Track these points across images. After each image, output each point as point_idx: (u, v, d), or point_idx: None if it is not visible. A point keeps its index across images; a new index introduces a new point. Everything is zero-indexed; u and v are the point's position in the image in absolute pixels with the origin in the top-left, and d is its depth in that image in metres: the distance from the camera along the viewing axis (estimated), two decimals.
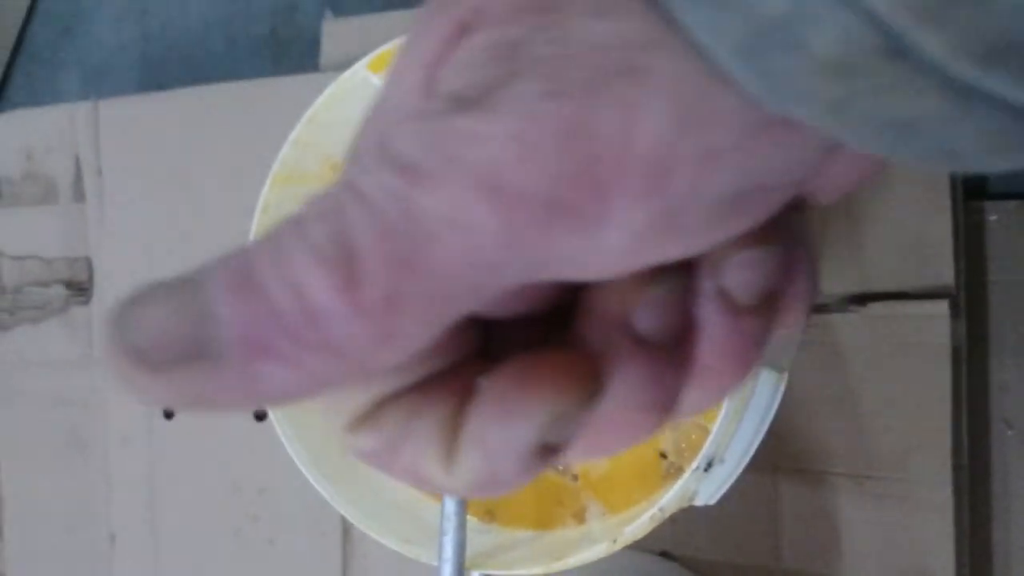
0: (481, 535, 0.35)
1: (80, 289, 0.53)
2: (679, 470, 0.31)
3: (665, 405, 0.13)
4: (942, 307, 0.37)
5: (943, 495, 0.37)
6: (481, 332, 0.14)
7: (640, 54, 0.10)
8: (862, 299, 0.39)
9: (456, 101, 0.11)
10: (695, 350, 0.13)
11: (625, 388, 0.13)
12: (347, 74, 0.34)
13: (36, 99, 0.61)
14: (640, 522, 0.29)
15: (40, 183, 0.55)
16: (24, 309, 0.55)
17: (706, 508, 0.31)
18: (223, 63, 0.55)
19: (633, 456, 0.34)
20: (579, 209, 0.11)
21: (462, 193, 0.11)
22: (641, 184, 0.11)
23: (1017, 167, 0.10)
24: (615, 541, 0.30)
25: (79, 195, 0.54)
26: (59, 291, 0.54)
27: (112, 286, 0.53)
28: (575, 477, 0.35)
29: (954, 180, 0.38)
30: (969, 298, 0.39)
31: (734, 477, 0.30)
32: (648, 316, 0.13)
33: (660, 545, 0.41)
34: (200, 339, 0.11)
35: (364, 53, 0.35)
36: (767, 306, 0.13)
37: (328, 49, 0.48)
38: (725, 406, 0.28)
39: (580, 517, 0.35)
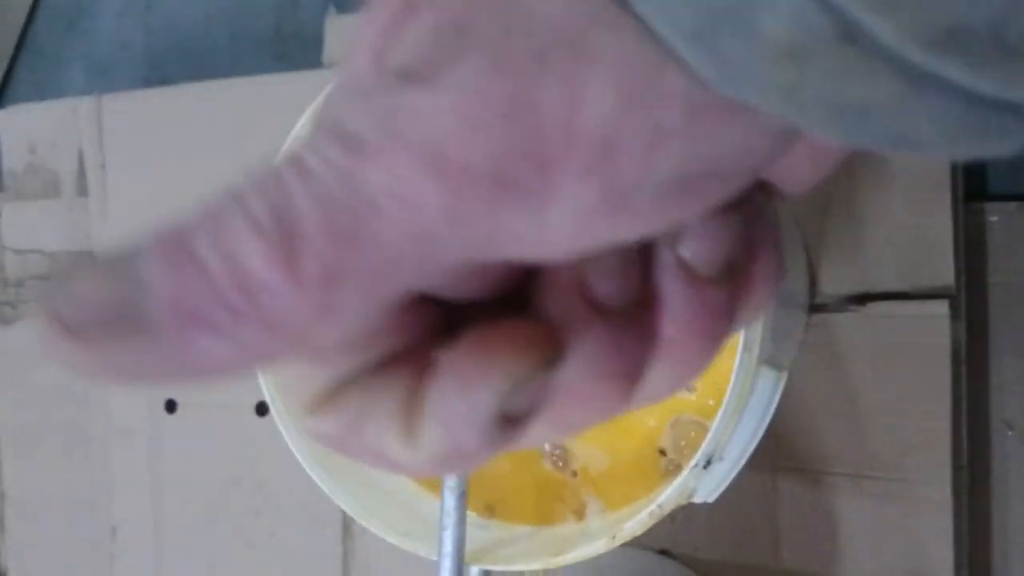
0: (481, 530, 0.35)
1: None
2: (678, 467, 0.31)
3: (627, 375, 0.13)
4: (942, 307, 0.37)
5: (942, 495, 0.37)
6: (442, 313, 0.13)
7: (588, 32, 0.10)
8: (862, 299, 0.39)
9: (403, 76, 0.11)
10: (657, 321, 0.13)
11: (585, 356, 0.12)
12: None
13: (40, 94, 0.61)
14: (639, 519, 0.30)
15: (43, 177, 0.55)
16: (27, 303, 0.55)
17: (705, 506, 0.32)
18: (226, 59, 0.56)
19: (633, 453, 0.34)
20: (523, 186, 0.11)
21: (406, 167, 0.11)
22: (586, 162, 0.11)
23: (973, 155, 0.10)
24: (614, 537, 0.30)
25: (82, 189, 0.54)
26: None
27: None
28: (575, 474, 0.35)
29: (955, 181, 0.38)
30: (969, 299, 0.39)
31: (733, 475, 0.30)
32: (605, 283, 0.13)
33: (659, 543, 0.41)
34: (129, 309, 0.11)
35: None
36: (729, 279, 0.13)
37: (331, 45, 0.48)
38: (724, 404, 0.28)
39: (580, 513, 0.35)
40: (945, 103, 0.09)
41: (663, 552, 0.41)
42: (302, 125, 0.35)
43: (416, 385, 0.12)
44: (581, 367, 0.12)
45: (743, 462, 0.30)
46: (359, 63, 0.12)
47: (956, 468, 0.37)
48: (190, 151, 0.49)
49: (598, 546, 0.30)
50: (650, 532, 0.31)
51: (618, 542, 0.30)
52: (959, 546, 0.37)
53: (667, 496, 0.29)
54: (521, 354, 0.12)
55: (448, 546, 0.30)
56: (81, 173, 0.54)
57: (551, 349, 0.12)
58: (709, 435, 0.28)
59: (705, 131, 0.11)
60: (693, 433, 0.33)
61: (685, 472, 0.29)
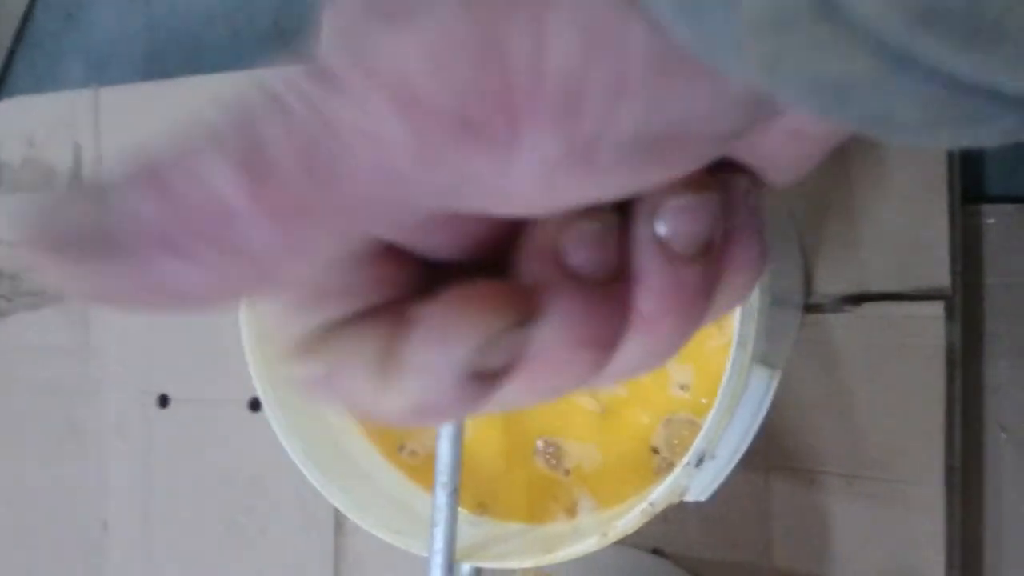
0: (472, 527, 0.35)
1: None
2: (671, 466, 0.31)
3: (600, 344, 0.13)
4: (937, 309, 0.37)
5: (935, 496, 0.37)
6: (425, 272, 0.14)
7: None
8: (857, 299, 0.39)
9: (377, 15, 0.11)
10: (632, 295, 0.13)
11: (558, 320, 0.13)
12: None
13: (39, 87, 0.61)
14: (631, 517, 0.30)
15: (40, 170, 0.55)
16: (22, 295, 0.55)
17: (698, 505, 0.32)
18: (225, 53, 0.55)
19: (625, 451, 0.34)
20: (489, 129, 0.11)
21: (374, 103, 0.11)
22: (550, 109, 0.11)
23: (956, 143, 0.10)
24: (605, 535, 0.30)
25: (78, 182, 0.54)
26: None
27: None
28: (567, 472, 0.35)
29: (952, 182, 0.38)
30: (965, 300, 0.39)
31: (725, 473, 0.30)
32: (580, 251, 0.13)
33: (652, 542, 0.41)
34: (99, 230, 0.11)
35: None
36: (706, 259, 0.13)
37: None
38: (717, 402, 0.28)
39: (571, 511, 0.35)
40: (922, 84, 0.09)
41: (655, 551, 0.41)
42: None
43: (394, 336, 0.13)
44: (555, 331, 0.13)
45: (735, 461, 0.30)
46: (343, 3, 0.12)
47: (949, 469, 0.37)
48: None
49: (589, 544, 0.30)
50: (643, 531, 0.31)
51: (609, 540, 0.30)
52: (951, 547, 0.37)
53: (659, 494, 0.29)
54: (496, 311, 0.12)
55: (439, 543, 0.30)
56: (78, 166, 0.54)
57: (525, 310, 0.13)
58: (701, 433, 0.28)
59: (668, 89, 0.11)
60: (686, 432, 0.33)
61: (677, 470, 0.29)
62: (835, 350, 0.39)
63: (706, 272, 0.13)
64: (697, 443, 0.28)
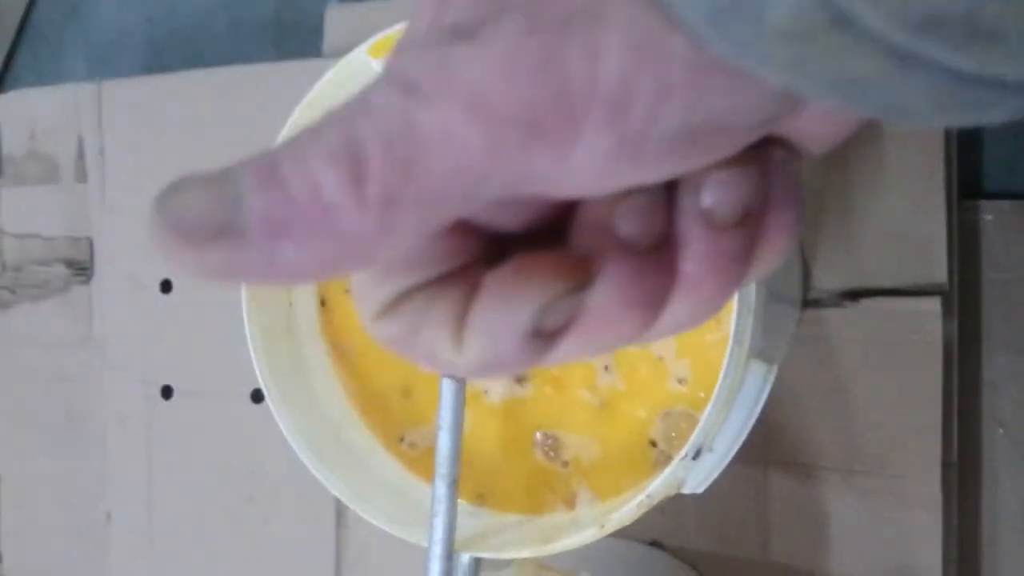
0: (472, 518, 0.35)
1: (81, 269, 0.54)
2: (669, 459, 0.31)
3: (648, 304, 0.14)
4: (935, 304, 0.37)
5: (931, 491, 0.37)
6: (490, 242, 0.15)
7: (606, 1, 0.12)
8: (855, 294, 0.39)
9: (454, 32, 0.13)
10: (678, 260, 0.14)
11: (610, 284, 0.14)
12: (346, 59, 0.35)
13: (41, 80, 0.61)
14: (628, 508, 0.30)
15: (43, 162, 0.55)
16: (25, 287, 0.55)
17: (696, 499, 0.32)
18: (227, 47, 0.56)
19: (623, 444, 0.34)
20: (552, 131, 0.13)
21: (453, 111, 0.13)
22: (604, 112, 0.12)
23: (964, 124, 0.12)
24: (603, 527, 0.30)
25: (81, 175, 0.54)
26: (60, 270, 0.54)
27: (113, 266, 0.53)
28: (566, 464, 0.36)
29: (949, 178, 0.38)
30: (962, 296, 0.39)
31: (722, 467, 0.30)
32: (630, 222, 0.14)
33: (650, 534, 0.41)
34: (229, 220, 0.13)
35: (366, 39, 0.35)
36: (745, 226, 0.14)
37: (331, 35, 0.48)
38: (714, 396, 0.29)
39: (570, 503, 0.35)
40: (931, 78, 0.11)
41: (653, 543, 0.42)
42: (299, 113, 0.35)
43: (465, 299, 0.15)
44: (607, 294, 0.14)
45: (732, 454, 0.30)
46: (419, 21, 0.14)
47: (946, 465, 0.37)
48: (189, 138, 0.50)
49: (587, 535, 0.31)
50: (641, 523, 0.31)
51: (607, 531, 0.30)
52: (947, 542, 0.37)
53: (656, 486, 0.29)
54: (554, 277, 0.14)
55: (438, 533, 0.31)
56: (80, 158, 0.54)
57: (581, 276, 0.14)
58: (698, 427, 0.29)
59: (706, 90, 0.12)
60: (684, 425, 0.33)
61: (674, 463, 0.29)
62: (833, 345, 0.39)
63: (745, 237, 0.15)
64: (694, 436, 0.29)
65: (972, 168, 0.41)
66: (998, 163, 0.41)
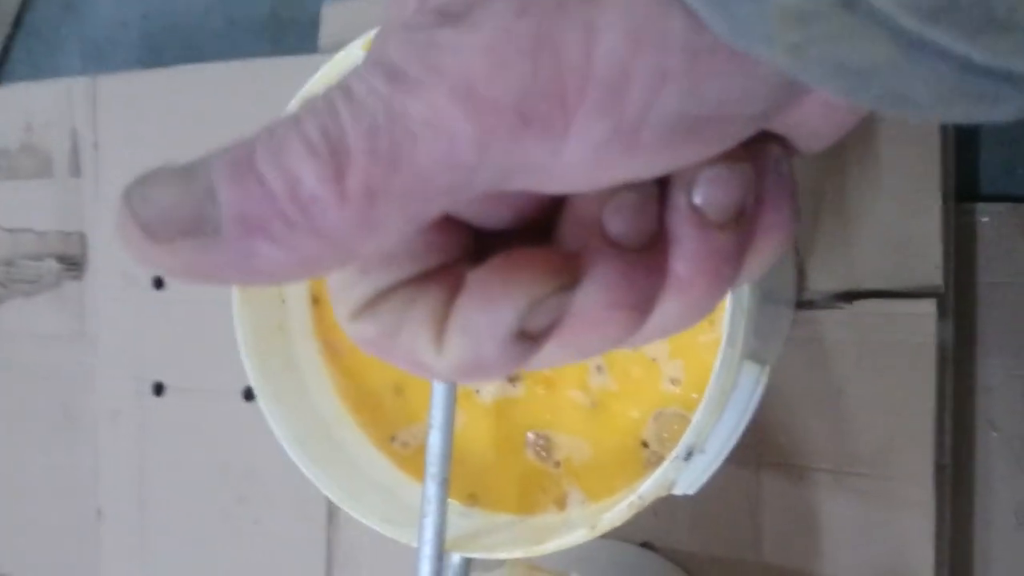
0: (463, 518, 0.35)
1: (73, 264, 0.54)
2: (661, 459, 0.31)
3: (636, 306, 0.14)
4: (929, 306, 0.37)
5: (924, 493, 0.37)
6: (474, 238, 0.15)
7: None
8: (849, 296, 0.39)
9: (441, 15, 0.12)
10: (668, 260, 0.14)
11: (597, 284, 0.14)
12: (341, 54, 0.34)
13: (36, 74, 0.61)
14: (619, 509, 0.30)
15: (37, 156, 0.55)
16: (17, 282, 0.55)
17: (688, 500, 0.32)
18: (223, 42, 0.55)
19: (615, 445, 0.34)
20: (544, 120, 0.12)
21: (440, 99, 0.12)
22: (599, 98, 0.12)
23: (968, 119, 0.11)
24: (594, 527, 0.30)
25: (75, 170, 0.54)
26: (52, 265, 0.54)
27: (105, 262, 0.53)
28: (557, 464, 0.35)
29: (946, 180, 0.38)
30: (957, 299, 0.39)
31: (714, 468, 0.30)
32: (619, 219, 0.14)
33: (642, 536, 0.41)
34: (201, 216, 0.12)
35: (362, 35, 0.35)
36: (738, 225, 0.14)
37: (327, 31, 0.48)
38: (706, 397, 0.28)
39: (561, 504, 0.35)
40: (939, 68, 0.10)
41: (645, 544, 0.41)
42: (294, 107, 0.35)
43: (447, 299, 0.14)
44: (594, 294, 0.14)
45: (724, 455, 0.30)
46: (404, 5, 0.13)
47: (939, 467, 0.37)
48: (184, 133, 0.49)
49: (578, 536, 0.30)
50: (633, 524, 0.31)
51: (598, 532, 0.30)
52: (940, 545, 0.37)
53: (647, 487, 0.29)
54: (540, 276, 0.13)
55: (429, 533, 0.31)
56: (75, 153, 0.54)
57: (568, 275, 0.14)
58: (690, 427, 0.28)
59: (705, 75, 0.12)
60: (676, 426, 0.33)
61: (665, 464, 0.29)
62: (827, 347, 0.39)
63: (738, 237, 0.14)
64: (686, 437, 0.28)
65: (969, 170, 0.41)
66: (995, 166, 0.41)
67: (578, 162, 0.12)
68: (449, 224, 0.14)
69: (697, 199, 0.14)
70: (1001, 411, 0.39)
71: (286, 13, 0.54)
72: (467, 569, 0.34)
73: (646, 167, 0.13)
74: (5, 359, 0.56)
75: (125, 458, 0.52)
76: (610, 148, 0.12)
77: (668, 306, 0.14)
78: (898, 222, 0.38)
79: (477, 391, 0.36)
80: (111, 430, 0.52)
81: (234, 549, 0.49)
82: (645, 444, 0.34)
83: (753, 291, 0.29)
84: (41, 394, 0.55)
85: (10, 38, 0.62)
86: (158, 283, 0.51)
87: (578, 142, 0.12)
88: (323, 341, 0.39)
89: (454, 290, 0.14)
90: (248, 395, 0.48)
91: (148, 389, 0.51)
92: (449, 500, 0.31)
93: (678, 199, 0.14)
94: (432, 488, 0.30)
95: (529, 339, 0.14)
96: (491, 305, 0.13)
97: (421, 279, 0.14)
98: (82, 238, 0.53)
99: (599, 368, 0.34)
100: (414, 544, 0.31)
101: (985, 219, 0.39)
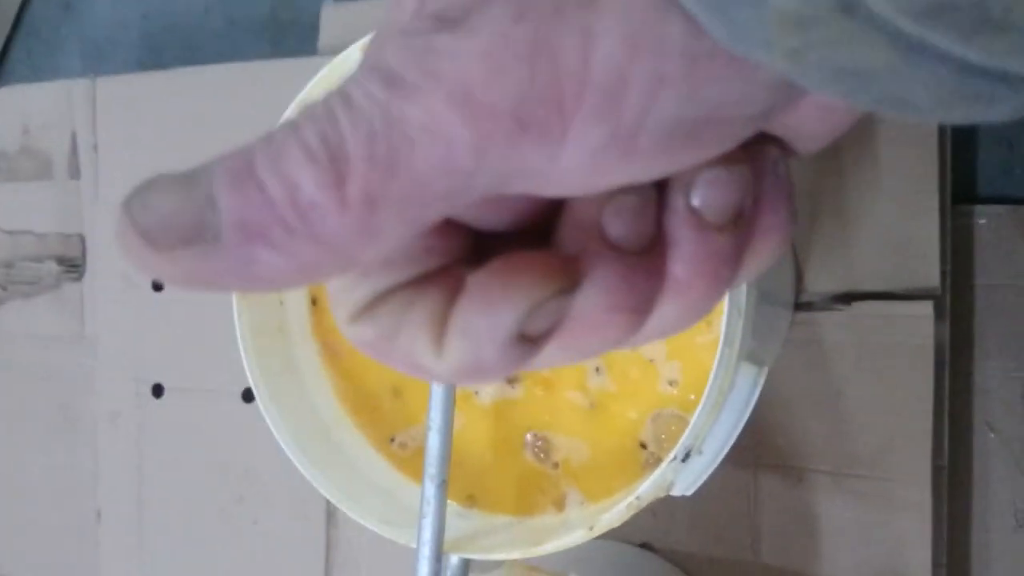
0: (461, 520, 0.35)
1: (72, 265, 0.54)
2: (658, 461, 0.31)
3: (635, 309, 0.14)
4: (927, 308, 0.37)
5: (921, 495, 0.37)
6: (473, 241, 0.15)
7: None
8: (847, 298, 0.39)
9: (438, 21, 0.12)
10: (667, 262, 0.14)
11: (597, 288, 0.14)
12: (340, 57, 0.35)
13: (36, 75, 0.61)
14: (617, 510, 0.30)
15: (36, 158, 0.55)
16: (17, 284, 0.55)
17: (687, 501, 0.32)
18: (222, 44, 0.56)
19: (613, 446, 0.34)
20: (541, 125, 0.12)
21: (438, 105, 0.12)
22: (597, 104, 0.12)
23: (967, 120, 0.11)
24: (592, 528, 0.30)
25: (74, 171, 0.54)
26: (51, 267, 0.54)
27: (105, 264, 0.53)
28: (556, 465, 0.35)
29: (943, 182, 0.38)
30: (955, 300, 0.39)
31: (712, 469, 0.30)
32: (618, 223, 0.14)
33: (641, 536, 0.41)
34: (201, 224, 0.12)
35: (361, 37, 0.35)
36: (736, 227, 0.14)
37: (326, 33, 0.48)
38: (704, 398, 0.28)
39: (559, 505, 0.35)
40: (936, 70, 0.10)
41: (644, 545, 0.42)
42: (293, 111, 0.35)
43: (446, 302, 0.14)
44: (594, 298, 0.14)
45: (722, 456, 0.30)
46: (401, 10, 0.13)
47: (936, 468, 0.37)
48: (183, 135, 0.49)
49: (576, 537, 0.31)
50: (632, 525, 0.31)
51: (596, 533, 0.30)
52: (937, 546, 0.37)
53: (645, 488, 0.29)
54: (541, 280, 0.13)
55: (427, 534, 0.31)
56: (74, 155, 0.54)
57: (567, 278, 0.14)
58: (688, 429, 0.29)
59: (703, 79, 0.12)
60: (674, 427, 0.33)
61: (663, 465, 0.29)
62: (825, 348, 0.39)
63: (736, 238, 0.14)
64: (683, 439, 0.29)
65: (966, 172, 0.41)
66: (992, 167, 0.41)
67: (576, 167, 0.12)
68: (448, 227, 0.14)
69: (695, 201, 0.14)
70: (999, 413, 0.39)
71: (286, 14, 0.54)
72: (466, 570, 0.34)
73: (644, 171, 0.13)
74: (5, 360, 0.56)
75: (124, 459, 0.52)
76: (608, 153, 0.12)
77: (666, 308, 0.14)
78: (896, 224, 0.38)
79: (476, 393, 0.37)
80: (110, 431, 0.52)
81: (233, 550, 0.49)
82: (643, 445, 0.34)
83: (751, 293, 0.29)
84: (41, 395, 0.55)
85: (9, 39, 0.62)
86: (157, 285, 0.51)
87: (576, 147, 0.12)
88: (322, 343, 0.39)
89: (453, 293, 0.14)
90: (247, 396, 0.48)
91: (147, 390, 0.51)
92: (448, 501, 0.31)
93: (676, 201, 0.14)
94: (431, 489, 0.31)
95: (529, 342, 0.14)
96: (491, 308, 0.13)
97: (420, 282, 0.14)
98: (82, 240, 0.54)
99: (597, 369, 0.35)
100: (413, 545, 0.31)
101: (983, 221, 0.39)
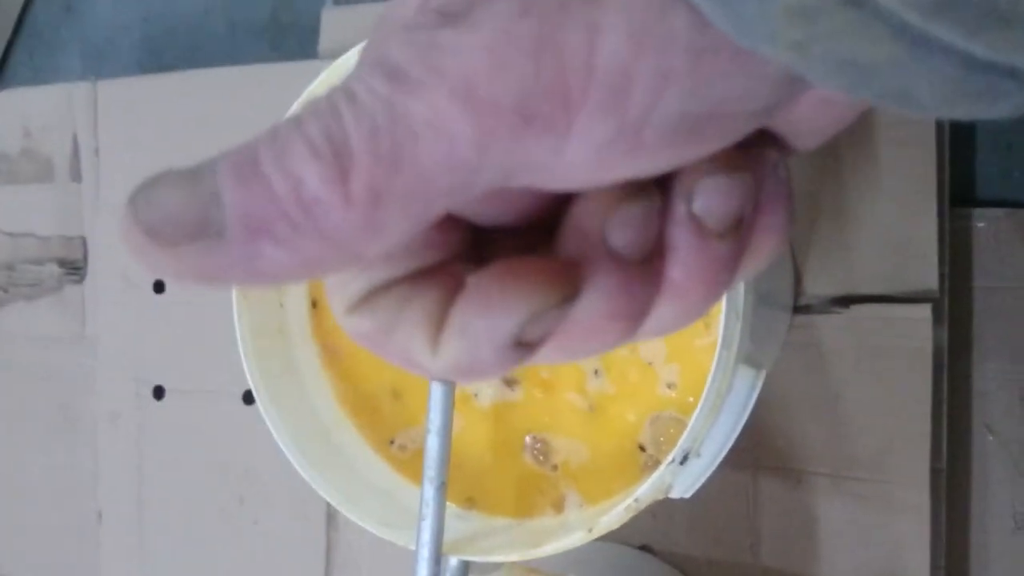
0: (461, 521, 0.35)
1: (74, 268, 0.54)
2: (657, 463, 0.31)
3: (633, 315, 0.14)
4: (925, 311, 0.37)
5: (920, 497, 0.37)
6: (473, 236, 0.15)
7: None
8: (846, 301, 0.39)
9: (442, 15, 0.12)
10: (666, 267, 0.14)
11: (596, 296, 0.14)
12: (341, 60, 0.35)
13: (37, 78, 0.61)
14: (615, 512, 0.30)
15: (37, 161, 0.55)
16: (18, 286, 0.55)
17: (687, 503, 0.32)
18: (223, 47, 0.56)
19: (612, 448, 0.35)
20: (545, 119, 0.12)
21: (441, 100, 0.12)
22: (601, 99, 0.12)
23: (970, 116, 0.11)
24: (591, 531, 0.30)
25: (75, 174, 0.54)
26: (53, 269, 0.54)
27: (106, 266, 0.53)
28: (555, 467, 0.36)
29: (942, 185, 0.38)
30: (953, 303, 0.39)
31: (710, 471, 0.30)
32: (621, 232, 0.14)
33: (641, 539, 0.41)
34: (206, 220, 0.12)
35: (362, 40, 0.35)
36: (736, 233, 0.14)
37: (327, 36, 0.48)
38: (702, 401, 0.29)
39: (558, 507, 0.35)
40: (941, 64, 0.10)
41: (644, 547, 0.42)
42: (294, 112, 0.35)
43: (445, 300, 0.14)
44: (593, 305, 0.14)
45: (720, 459, 0.30)
46: (403, 5, 0.13)
47: (935, 471, 0.37)
48: (184, 138, 0.50)
49: (575, 539, 0.31)
50: (631, 528, 0.31)
51: (594, 535, 0.30)
52: (936, 549, 0.38)
53: (644, 491, 0.29)
54: (541, 288, 0.13)
55: (426, 536, 0.31)
56: (75, 158, 0.54)
57: (568, 286, 0.14)
58: (686, 431, 0.29)
59: (708, 73, 0.12)
60: (672, 430, 0.33)
61: (662, 467, 0.29)
62: (824, 351, 0.39)
63: (735, 243, 0.14)
64: (682, 441, 0.29)
65: (965, 175, 0.41)
66: (991, 171, 0.41)
67: (580, 161, 0.12)
68: (448, 222, 0.14)
69: (696, 208, 0.14)
70: (997, 415, 0.39)
71: (286, 17, 0.54)
72: (465, 572, 0.34)
73: (648, 165, 0.13)
74: (6, 361, 0.56)
75: (125, 460, 0.52)
76: (612, 148, 0.12)
77: (663, 310, 0.14)
78: (895, 227, 0.38)
79: (475, 395, 0.37)
80: (111, 433, 0.53)
81: (233, 550, 0.50)
82: (642, 448, 0.34)
83: (749, 296, 0.29)
84: (41, 396, 0.55)
85: (10, 42, 0.62)
86: (158, 287, 0.51)
87: (580, 142, 0.12)
88: (322, 344, 0.39)
89: (451, 291, 0.14)
90: (248, 398, 0.48)
91: (148, 392, 0.51)
92: (447, 503, 0.32)
93: (677, 208, 0.14)
94: (430, 491, 0.31)
95: (526, 346, 0.14)
96: (490, 312, 0.13)
97: (418, 277, 0.14)
98: (83, 242, 0.54)
99: (596, 372, 0.35)
100: (412, 547, 0.31)
101: (981, 224, 0.40)
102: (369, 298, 0.14)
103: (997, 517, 0.39)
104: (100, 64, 0.59)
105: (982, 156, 0.41)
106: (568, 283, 0.14)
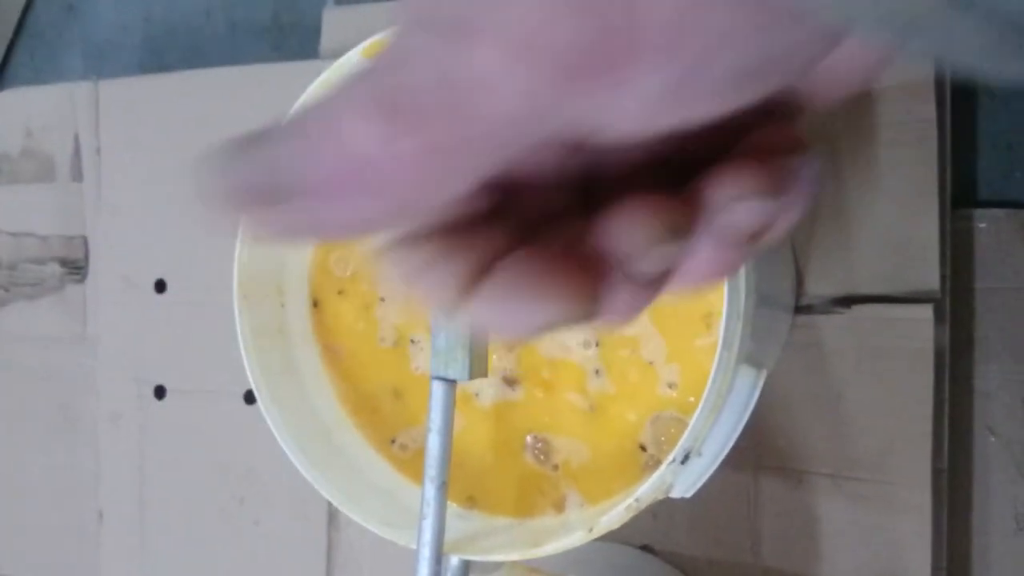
0: (461, 521, 0.35)
1: (75, 268, 0.54)
2: (658, 463, 0.31)
3: (636, 313, 0.15)
4: (927, 311, 0.37)
5: (921, 498, 0.37)
6: (503, 194, 0.15)
7: None
8: (847, 301, 0.39)
9: None
10: (680, 260, 0.15)
11: (607, 308, 0.15)
12: (341, 60, 0.35)
13: (39, 78, 0.61)
14: (616, 512, 0.30)
15: (38, 161, 0.55)
16: (20, 286, 0.55)
17: (687, 503, 0.32)
18: (224, 47, 0.56)
19: (613, 448, 0.34)
20: (603, 70, 0.12)
21: (502, 51, 0.12)
22: (656, 53, 0.12)
23: (1004, 76, 0.11)
24: (591, 530, 0.30)
25: (77, 174, 0.54)
26: (54, 269, 0.54)
27: (107, 266, 0.53)
28: (556, 467, 0.36)
29: (943, 186, 0.38)
30: (955, 304, 0.39)
31: (711, 471, 0.30)
32: (650, 262, 0.14)
33: (641, 539, 0.41)
34: (274, 180, 0.13)
35: (364, 41, 0.35)
36: (755, 241, 0.15)
37: (328, 36, 0.48)
38: (703, 401, 0.29)
39: (559, 506, 0.35)
40: (985, 25, 0.10)
41: (645, 547, 0.42)
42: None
43: (480, 267, 0.14)
44: (604, 318, 0.15)
45: (721, 459, 0.30)
46: None
47: (936, 472, 0.37)
48: (186, 138, 0.50)
49: (576, 538, 0.31)
50: (632, 527, 0.31)
51: (595, 535, 0.30)
52: (937, 549, 0.38)
53: (644, 490, 0.29)
54: (564, 306, 0.14)
55: (427, 536, 0.31)
56: (76, 158, 0.54)
57: (591, 304, 0.14)
58: (687, 431, 0.29)
59: (757, 29, 0.12)
60: (673, 429, 0.33)
61: (662, 467, 0.29)
62: (825, 352, 0.39)
63: (750, 248, 0.15)
64: (682, 441, 0.29)
65: (966, 176, 0.41)
66: (993, 171, 0.41)
67: (630, 112, 0.13)
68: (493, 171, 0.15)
69: (724, 223, 0.14)
70: (999, 416, 0.39)
71: (288, 17, 0.54)
72: (466, 571, 0.34)
73: (695, 115, 0.13)
74: (7, 361, 0.56)
75: (126, 460, 0.52)
76: (661, 101, 0.13)
77: (668, 287, 0.15)
78: (896, 227, 0.38)
79: (476, 395, 0.37)
80: (112, 433, 0.53)
81: (235, 550, 0.50)
82: (643, 447, 0.34)
83: (750, 296, 0.29)
84: (42, 396, 0.55)
85: (12, 42, 0.62)
86: (159, 287, 0.51)
87: (631, 95, 0.12)
88: (323, 344, 0.39)
89: (490, 258, 0.14)
90: (249, 398, 0.48)
91: (149, 392, 0.51)
92: (448, 503, 0.32)
93: (709, 222, 0.14)
94: (431, 491, 0.31)
95: (539, 333, 0.15)
96: (514, 309, 0.14)
97: (461, 228, 0.14)
98: (84, 242, 0.54)
99: (597, 372, 0.35)
100: (413, 546, 0.31)
101: (983, 224, 0.40)
102: (411, 240, 0.14)
103: (998, 518, 0.39)
104: (101, 64, 0.59)
105: (983, 156, 0.41)
106: (592, 300, 0.14)
